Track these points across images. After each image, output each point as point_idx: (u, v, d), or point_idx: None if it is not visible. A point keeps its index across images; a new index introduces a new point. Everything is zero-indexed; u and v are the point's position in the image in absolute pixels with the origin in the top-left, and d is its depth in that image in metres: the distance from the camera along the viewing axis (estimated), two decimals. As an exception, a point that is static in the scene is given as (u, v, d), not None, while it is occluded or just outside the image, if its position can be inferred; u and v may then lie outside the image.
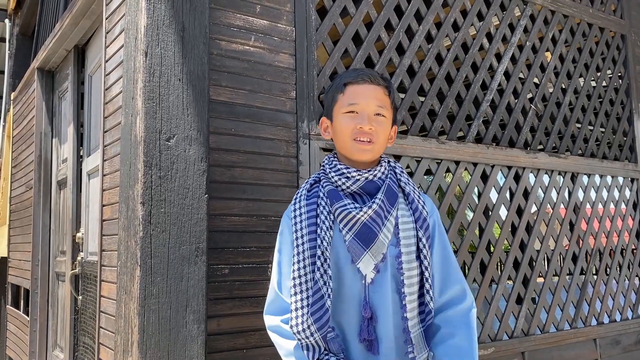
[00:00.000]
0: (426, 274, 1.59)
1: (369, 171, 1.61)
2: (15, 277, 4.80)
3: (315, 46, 2.81)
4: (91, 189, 3.33)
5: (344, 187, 1.61)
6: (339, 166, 1.63)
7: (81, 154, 3.64)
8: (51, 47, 3.85)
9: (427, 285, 1.59)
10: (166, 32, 2.29)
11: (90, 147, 3.40)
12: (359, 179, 1.60)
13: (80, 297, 3.33)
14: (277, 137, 2.60)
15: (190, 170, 2.27)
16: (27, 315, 4.24)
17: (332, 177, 1.63)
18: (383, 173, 1.64)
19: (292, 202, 1.68)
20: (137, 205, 2.17)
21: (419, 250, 1.61)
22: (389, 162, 1.70)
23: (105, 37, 2.77)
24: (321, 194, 1.63)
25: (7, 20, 6.16)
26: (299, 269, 1.57)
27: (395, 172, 1.68)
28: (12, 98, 5.38)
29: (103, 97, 2.75)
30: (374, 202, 1.57)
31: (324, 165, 1.69)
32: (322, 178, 1.66)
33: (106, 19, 2.78)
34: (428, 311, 1.59)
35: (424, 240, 1.61)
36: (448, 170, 3.28)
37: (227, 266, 2.40)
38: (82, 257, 3.32)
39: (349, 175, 1.60)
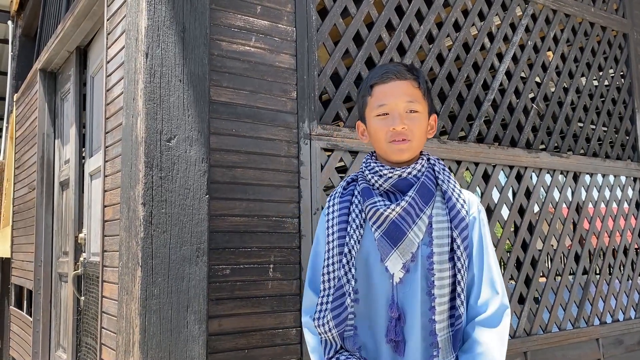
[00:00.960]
0: (458, 276, 1.53)
1: (402, 169, 1.58)
2: (19, 277, 4.82)
3: (316, 46, 2.81)
4: (93, 189, 3.34)
5: (377, 185, 1.60)
6: (372, 164, 1.62)
7: (83, 155, 3.65)
8: (53, 48, 3.86)
9: (458, 289, 1.53)
10: (167, 33, 2.29)
11: (92, 148, 3.41)
12: (391, 177, 1.58)
13: (82, 298, 3.33)
14: (278, 138, 2.60)
15: (191, 170, 2.27)
16: (30, 316, 4.25)
17: (367, 175, 1.63)
18: (419, 170, 1.60)
19: (328, 199, 1.69)
20: (138, 206, 2.17)
21: (452, 251, 1.55)
22: (428, 159, 1.66)
23: (107, 39, 2.78)
24: (356, 192, 1.63)
25: (9, 22, 6.18)
26: (327, 265, 1.59)
27: (433, 170, 1.63)
28: (14, 99, 5.40)
29: (104, 98, 2.76)
30: (403, 199, 1.54)
31: (362, 164, 1.68)
32: (359, 177, 1.67)
33: (107, 20, 2.79)
34: (458, 315, 1.53)
35: (458, 241, 1.55)
36: (449, 170, 3.27)
37: (228, 266, 2.40)
38: (84, 258, 3.33)
39: (381, 173, 1.59)
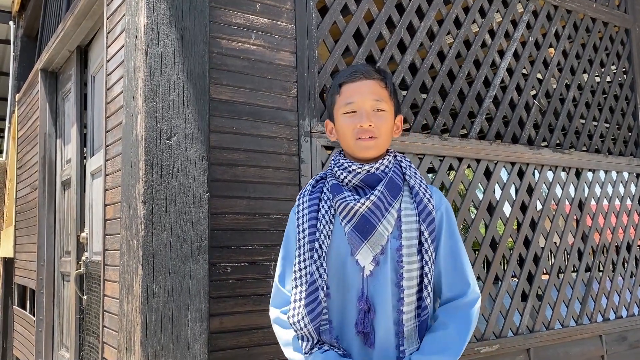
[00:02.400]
0: (426, 268, 1.58)
1: (370, 165, 1.63)
2: (22, 277, 4.83)
3: (316, 44, 2.80)
4: (95, 188, 3.34)
5: (346, 180, 1.64)
6: (342, 161, 1.66)
7: (85, 154, 3.65)
8: (54, 48, 3.87)
9: (425, 281, 1.58)
10: (166, 31, 2.29)
11: (93, 147, 3.41)
12: (360, 172, 1.62)
13: (85, 297, 3.34)
14: (278, 135, 2.59)
15: (191, 168, 2.27)
16: (33, 316, 4.26)
17: (336, 172, 1.66)
18: (386, 166, 1.64)
19: (298, 197, 1.73)
20: (139, 204, 2.17)
21: (420, 244, 1.60)
22: (395, 156, 1.70)
23: (107, 37, 2.78)
24: (325, 189, 1.67)
25: (11, 22, 6.19)
26: (299, 262, 1.61)
27: (400, 166, 1.68)
28: (16, 100, 5.41)
29: (105, 97, 2.76)
30: (372, 193, 1.58)
31: (331, 162, 1.71)
32: (328, 174, 1.70)
33: (107, 19, 2.79)
34: (424, 306, 1.58)
35: (426, 234, 1.60)
36: (451, 167, 3.27)
37: (229, 264, 2.40)
38: (86, 257, 3.34)
39: (350, 169, 1.63)
